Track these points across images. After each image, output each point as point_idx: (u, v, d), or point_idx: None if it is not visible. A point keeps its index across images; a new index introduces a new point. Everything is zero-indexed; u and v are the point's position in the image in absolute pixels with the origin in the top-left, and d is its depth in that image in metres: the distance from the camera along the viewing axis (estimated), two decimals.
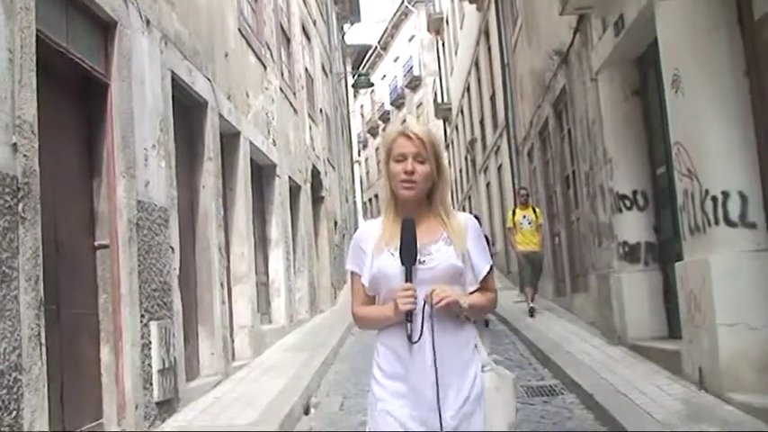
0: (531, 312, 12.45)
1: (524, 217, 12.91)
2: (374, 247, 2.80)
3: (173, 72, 7.68)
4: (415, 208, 2.79)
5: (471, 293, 2.77)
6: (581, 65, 10.00)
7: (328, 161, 21.34)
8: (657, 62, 7.07)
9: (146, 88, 6.92)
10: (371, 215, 55.56)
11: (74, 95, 6.06)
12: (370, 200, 57.33)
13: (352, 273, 2.88)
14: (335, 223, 22.06)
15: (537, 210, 13.23)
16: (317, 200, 18.52)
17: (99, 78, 6.14)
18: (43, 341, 4.75)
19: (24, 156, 4.66)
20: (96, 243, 6.19)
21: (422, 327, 2.64)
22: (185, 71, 8.10)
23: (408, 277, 2.66)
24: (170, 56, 7.63)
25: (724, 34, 6.16)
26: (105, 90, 6.22)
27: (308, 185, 17.08)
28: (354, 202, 35.14)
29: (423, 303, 2.64)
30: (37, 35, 4.95)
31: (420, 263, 2.70)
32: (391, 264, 2.72)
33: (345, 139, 29.99)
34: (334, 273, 20.06)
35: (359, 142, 54.94)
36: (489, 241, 15.28)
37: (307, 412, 7.54)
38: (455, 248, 2.74)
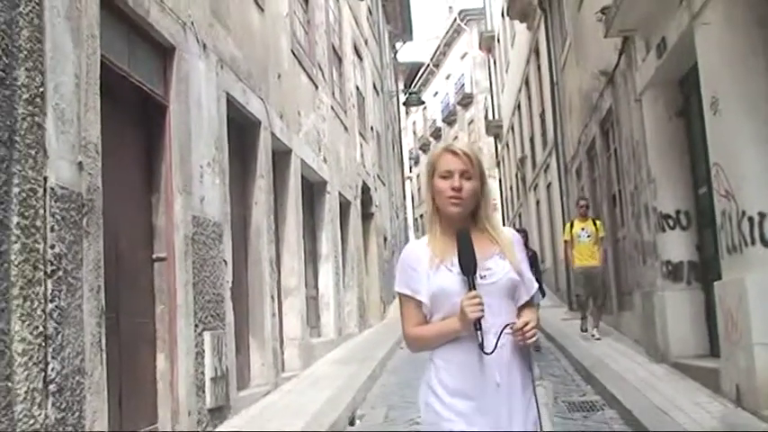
0: (586, 330, 11.94)
1: (583, 229, 11.81)
2: (428, 265, 2.72)
3: (228, 93, 8.03)
4: (461, 224, 2.73)
5: (521, 308, 2.75)
6: (626, 85, 10.12)
7: (378, 177, 21.64)
8: (699, 84, 7.20)
9: (202, 109, 7.27)
10: (422, 231, 55.73)
11: (135, 117, 6.43)
12: (421, 215, 57.39)
13: (402, 295, 2.77)
14: (385, 239, 22.33)
15: (597, 222, 12.02)
16: (366, 215, 18.81)
17: (158, 100, 6.50)
18: (104, 347, 5.08)
19: (89, 174, 5.00)
20: (154, 256, 6.54)
21: (497, 343, 2.58)
22: (240, 92, 8.45)
23: (472, 285, 2.60)
24: (225, 78, 7.98)
25: (762, 59, 6.28)
26: (164, 111, 6.59)
27: (358, 201, 17.39)
28: (405, 218, 35.40)
29: (502, 329, 2.60)
30: (101, 60, 5.31)
31: (481, 278, 2.64)
32: (451, 279, 2.66)
33: (396, 155, 30.30)
34: (384, 287, 20.31)
35: (410, 159, 55.25)
36: (538, 258, 15.19)
37: (352, 423, 7.77)
38: (510, 263, 2.72)
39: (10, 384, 4.04)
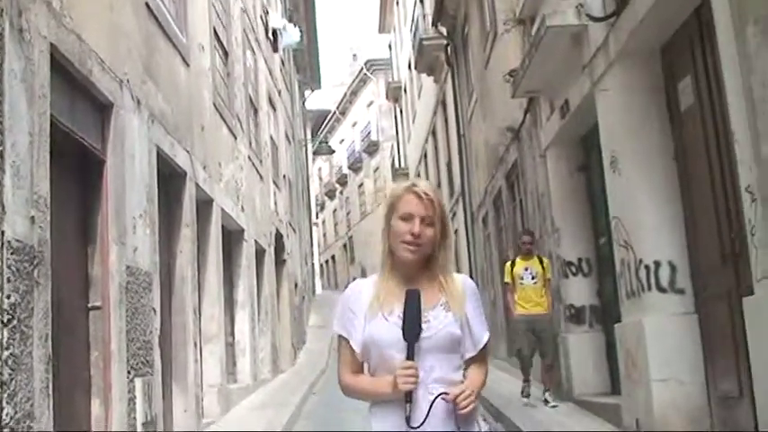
0: (528, 395, 9.73)
1: (527, 270, 9.79)
2: (367, 309, 2.58)
3: (158, 146, 8.32)
4: (413, 270, 2.59)
5: (467, 361, 2.61)
6: (531, 141, 10.85)
7: (290, 224, 21.96)
8: (600, 142, 7.90)
9: (135, 162, 7.55)
10: (328, 278, 56.07)
11: (76, 171, 6.68)
12: (327, 261, 57.83)
13: (340, 337, 2.64)
14: (296, 285, 22.59)
15: (545, 260, 9.95)
16: (279, 263, 19.08)
17: (97, 155, 6.77)
18: (50, 393, 5.30)
19: (40, 227, 5.25)
20: (90, 305, 6.74)
21: (427, 415, 2.45)
22: (168, 145, 8.75)
23: (410, 354, 2.46)
24: (155, 132, 8.28)
25: (656, 123, 7.02)
26: (102, 165, 6.85)
27: (272, 249, 17.67)
28: (312, 265, 35.65)
29: (434, 398, 2.47)
30: (50, 118, 5.58)
31: None
32: (385, 330, 2.52)
33: (305, 202, 30.67)
34: (295, 334, 20.54)
35: (317, 205, 55.64)
36: None
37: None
38: (454, 315, 2.54)
39: None
